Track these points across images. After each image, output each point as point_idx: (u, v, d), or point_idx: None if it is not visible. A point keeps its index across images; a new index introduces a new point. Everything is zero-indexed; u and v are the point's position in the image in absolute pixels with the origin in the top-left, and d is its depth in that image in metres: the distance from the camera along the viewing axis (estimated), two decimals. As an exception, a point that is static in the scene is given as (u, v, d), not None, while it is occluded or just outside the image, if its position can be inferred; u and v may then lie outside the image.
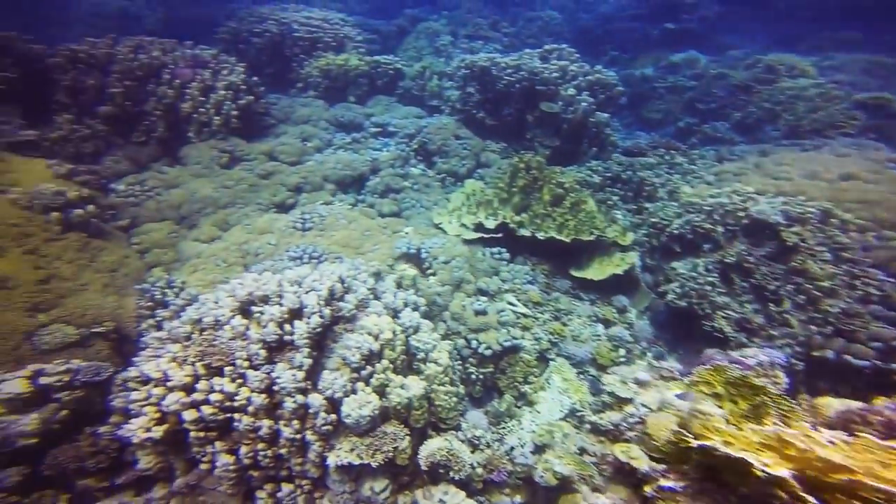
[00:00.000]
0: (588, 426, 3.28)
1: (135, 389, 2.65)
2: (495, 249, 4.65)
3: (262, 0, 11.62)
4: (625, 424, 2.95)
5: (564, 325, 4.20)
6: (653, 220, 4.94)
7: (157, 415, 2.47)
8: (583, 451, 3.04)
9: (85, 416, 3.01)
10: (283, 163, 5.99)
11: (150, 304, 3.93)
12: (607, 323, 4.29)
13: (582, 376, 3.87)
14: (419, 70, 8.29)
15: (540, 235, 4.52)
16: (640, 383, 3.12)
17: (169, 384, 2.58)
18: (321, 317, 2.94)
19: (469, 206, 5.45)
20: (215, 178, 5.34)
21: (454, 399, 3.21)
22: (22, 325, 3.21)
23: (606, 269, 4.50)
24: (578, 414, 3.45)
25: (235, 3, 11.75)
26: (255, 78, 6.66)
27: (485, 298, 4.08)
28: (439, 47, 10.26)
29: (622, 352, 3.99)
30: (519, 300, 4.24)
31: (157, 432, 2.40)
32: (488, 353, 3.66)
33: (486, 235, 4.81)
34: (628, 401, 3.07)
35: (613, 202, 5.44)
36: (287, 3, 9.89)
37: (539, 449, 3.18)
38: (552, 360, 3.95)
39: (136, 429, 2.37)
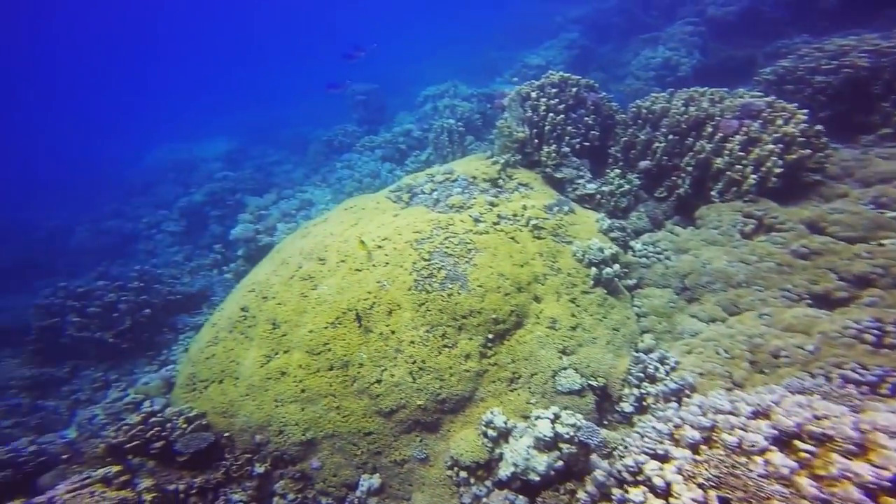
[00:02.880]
0: None
1: (626, 481, 2.68)
2: None
3: (822, 31, 9.16)
4: None
5: None
6: None
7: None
8: None
9: (567, 471, 3.42)
10: (835, 238, 4.42)
11: (639, 373, 4.05)
12: None
13: None
14: None
15: None
16: None
17: (670, 501, 2.39)
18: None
19: None
20: (733, 249, 4.71)
21: None
22: (553, 364, 4.12)
23: None
24: None
25: (785, 39, 9.94)
26: (818, 127, 5.21)
27: None
28: None
29: None
30: None
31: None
32: None
33: None
34: None
35: None
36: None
37: None
38: None
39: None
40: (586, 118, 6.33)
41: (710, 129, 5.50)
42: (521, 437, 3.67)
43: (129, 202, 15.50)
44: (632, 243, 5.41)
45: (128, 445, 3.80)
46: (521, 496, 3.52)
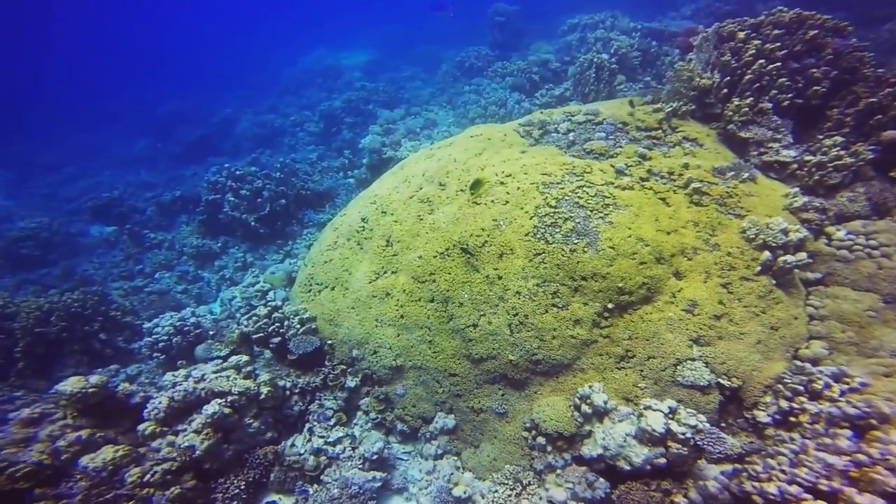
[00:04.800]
0: None
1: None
2: None
3: None
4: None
5: None
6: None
7: None
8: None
9: (666, 469, 3.09)
10: None
11: (797, 385, 3.30)
12: None
13: None
14: None
15: None
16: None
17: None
18: None
19: None
20: None
21: None
22: (679, 352, 3.49)
23: None
24: None
25: None
26: None
27: None
28: None
29: None
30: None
31: None
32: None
33: None
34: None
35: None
36: None
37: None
38: None
39: None
40: (813, 70, 4.63)
41: None
42: (620, 421, 3.34)
43: (282, 100, 17.12)
44: (829, 229, 4.09)
45: (255, 336, 4.38)
46: (601, 478, 3.29)
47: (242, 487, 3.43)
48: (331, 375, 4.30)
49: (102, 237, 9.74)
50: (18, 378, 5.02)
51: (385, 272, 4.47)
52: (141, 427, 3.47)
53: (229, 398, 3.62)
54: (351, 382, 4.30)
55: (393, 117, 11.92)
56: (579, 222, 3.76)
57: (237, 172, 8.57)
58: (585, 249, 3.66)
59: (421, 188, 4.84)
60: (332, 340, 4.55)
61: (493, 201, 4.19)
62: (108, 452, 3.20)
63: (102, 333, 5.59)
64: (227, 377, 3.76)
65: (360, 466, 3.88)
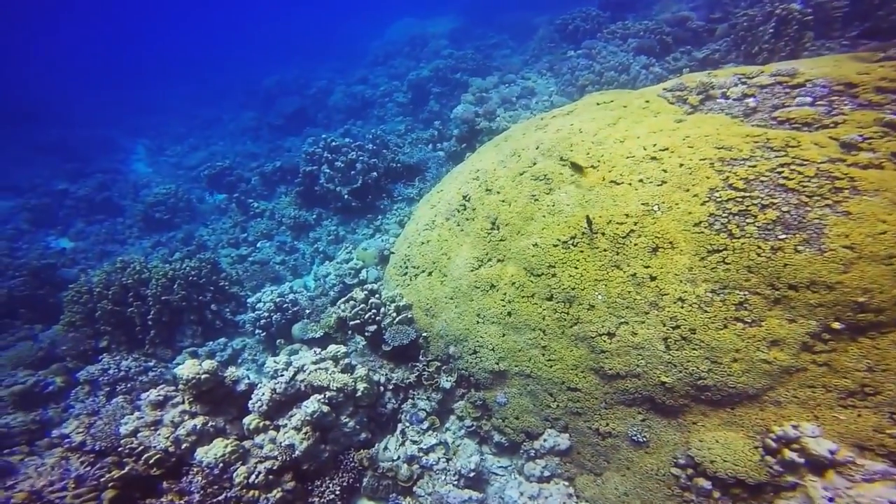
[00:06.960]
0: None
1: None
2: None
3: None
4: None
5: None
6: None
7: None
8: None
9: None
10: None
11: None
12: None
13: None
14: None
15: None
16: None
17: None
18: None
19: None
20: None
21: None
22: None
23: None
24: None
25: None
26: None
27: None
28: None
29: None
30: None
31: None
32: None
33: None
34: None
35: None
36: None
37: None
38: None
39: None
40: None
41: None
42: (867, 480, 2.45)
43: (373, 71, 16.99)
44: None
45: (351, 322, 4.07)
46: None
47: (337, 493, 3.14)
48: (426, 373, 3.82)
49: (215, 204, 10.45)
50: (150, 346, 5.36)
51: (489, 259, 3.79)
52: (246, 421, 3.37)
53: (327, 394, 3.35)
54: (446, 383, 3.78)
55: (485, 86, 10.97)
56: (788, 211, 2.67)
57: (333, 143, 8.41)
58: (799, 248, 2.58)
59: (535, 163, 4.02)
60: (427, 333, 4.05)
61: (640, 181, 3.23)
62: (218, 447, 3.14)
63: (214, 304, 5.77)
64: (326, 369, 3.47)
65: (455, 483, 3.38)
